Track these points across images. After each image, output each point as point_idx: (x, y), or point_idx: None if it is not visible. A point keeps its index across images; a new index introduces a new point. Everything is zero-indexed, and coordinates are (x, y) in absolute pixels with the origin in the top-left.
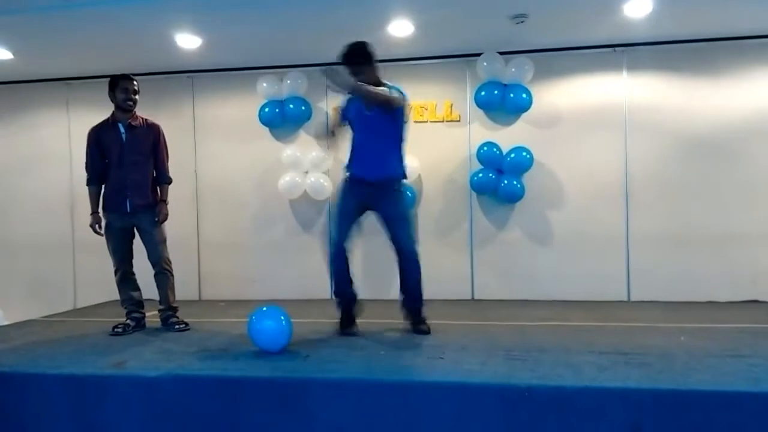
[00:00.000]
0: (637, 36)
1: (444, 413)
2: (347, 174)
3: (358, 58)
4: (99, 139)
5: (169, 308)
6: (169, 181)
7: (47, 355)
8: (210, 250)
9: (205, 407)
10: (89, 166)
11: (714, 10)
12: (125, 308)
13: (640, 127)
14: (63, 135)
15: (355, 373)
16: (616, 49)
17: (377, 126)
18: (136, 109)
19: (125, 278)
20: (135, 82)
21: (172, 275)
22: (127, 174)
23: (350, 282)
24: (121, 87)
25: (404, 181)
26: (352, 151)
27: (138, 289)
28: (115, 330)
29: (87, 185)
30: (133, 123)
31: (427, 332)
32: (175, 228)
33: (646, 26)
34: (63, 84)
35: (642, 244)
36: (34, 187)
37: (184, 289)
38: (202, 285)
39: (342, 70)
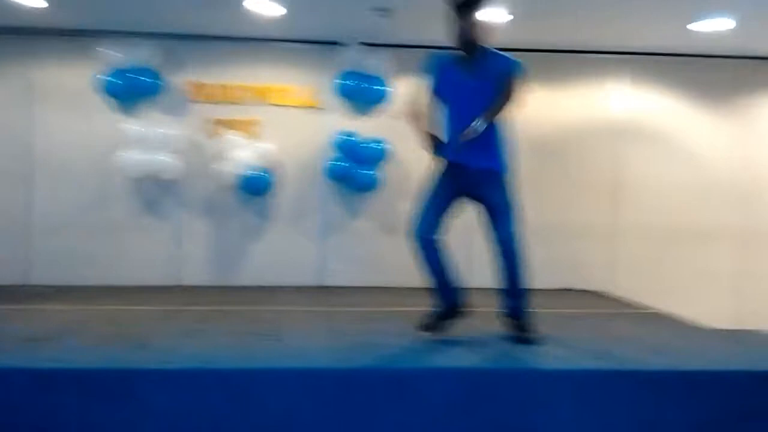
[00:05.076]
0: (498, 42)
1: (284, 398)
2: (444, 160)
3: (481, 8)
4: None
5: None
6: None
7: None
8: (42, 230)
9: (21, 401)
10: None
11: (562, 24)
12: None
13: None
14: None
15: (190, 362)
16: None
17: (486, 97)
18: None
19: None
20: None
21: None
22: None
23: (451, 282)
24: None
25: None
26: (451, 129)
27: None
28: None
29: None
30: None
31: (532, 342)
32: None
33: (506, 34)
34: None
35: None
36: None
37: (7, 271)
38: (32, 268)
39: None
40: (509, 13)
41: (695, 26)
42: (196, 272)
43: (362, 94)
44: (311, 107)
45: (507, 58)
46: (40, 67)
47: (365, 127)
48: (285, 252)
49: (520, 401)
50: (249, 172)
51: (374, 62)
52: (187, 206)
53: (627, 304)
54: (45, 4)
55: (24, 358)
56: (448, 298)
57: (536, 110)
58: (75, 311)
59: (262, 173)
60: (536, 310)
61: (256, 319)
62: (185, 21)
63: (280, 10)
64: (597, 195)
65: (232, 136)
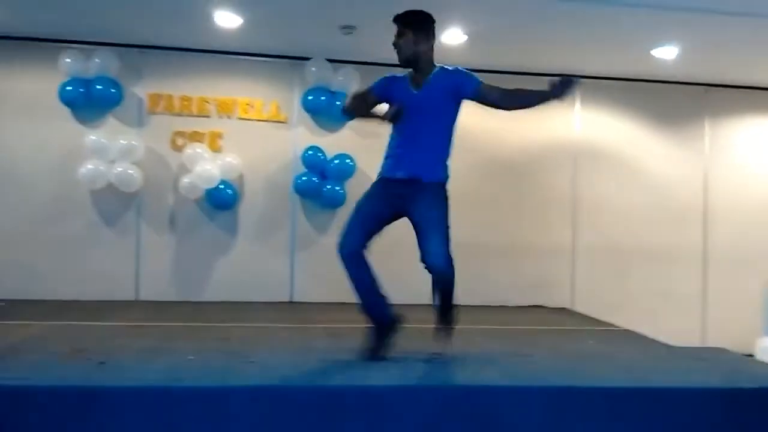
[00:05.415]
0: (454, 62)
1: (254, 417)
2: (386, 174)
3: (426, 25)
4: None
5: None
6: None
7: None
8: None
9: None
10: None
11: (516, 47)
12: None
13: (455, 145)
14: None
15: (156, 381)
16: None
17: (434, 114)
18: None
19: None
20: None
21: None
22: None
23: (382, 297)
24: None
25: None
26: (393, 143)
27: None
28: None
29: None
30: None
31: (451, 325)
32: None
33: (461, 54)
34: None
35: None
36: None
37: None
38: None
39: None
40: (464, 34)
41: (645, 53)
42: (157, 287)
43: (329, 109)
44: (278, 121)
45: (457, 73)
46: None
47: (332, 142)
48: (252, 267)
49: (490, 419)
50: (214, 186)
51: (340, 78)
52: (148, 220)
53: (595, 322)
54: None
55: None
56: (379, 315)
57: (495, 132)
58: (30, 327)
59: (228, 187)
60: (505, 327)
61: (222, 335)
62: (147, 32)
63: (238, 22)
64: (557, 215)
65: (195, 149)
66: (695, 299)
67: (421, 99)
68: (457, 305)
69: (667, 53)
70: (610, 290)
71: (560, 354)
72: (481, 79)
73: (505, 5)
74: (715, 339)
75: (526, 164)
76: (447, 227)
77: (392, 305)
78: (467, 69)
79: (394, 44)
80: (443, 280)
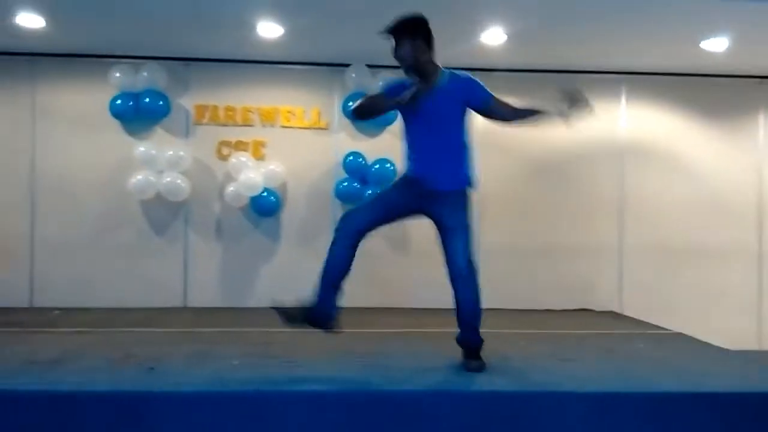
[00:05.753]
0: (494, 63)
1: (298, 422)
2: (406, 172)
3: (422, 30)
4: None
5: None
6: None
7: None
8: (46, 252)
9: (30, 425)
10: None
11: (562, 45)
12: None
13: (493, 148)
14: None
15: (201, 385)
16: (475, 73)
17: (448, 120)
18: None
19: None
20: None
21: None
22: None
23: (337, 290)
24: None
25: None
26: (410, 149)
27: None
28: None
29: None
30: None
31: (478, 370)
32: (2, 227)
33: (502, 54)
34: None
35: (492, 255)
36: None
37: (11, 294)
38: (35, 290)
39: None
40: (504, 33)
41: (693, 45)
42: (204, 294)
43: None
44: (319, 128)
45: (472, 81)
46: (46, 89)
47: (373, 147)
48: (296, 273)
49: (539, 424)
50: (258, 194)
51: (380, 83)
52: (195, 228)
53: (644, 325)
54: (42, 24)
55: (31, 382)
56: (324, 302)
57: (538, 132)
58: (81, 334)
59: (271, 194)
60: (550, 332)
61: (267, 341)
62: (192, 45)
63: (280, 32)
64: (603, 215)
65: (239, 158)
66: (750, 300)
67: (434, 105)
68: (483, 339)
69: (716, 45)
70: (660, 292)
71: (608, 358)
72: (492, 93)
73: (544, 3)
74: None
75: (572, 164)
76: (469, 233)
77: (340, 308)
78: (509, 69)
79: (395, 56)
80: (466, 290)
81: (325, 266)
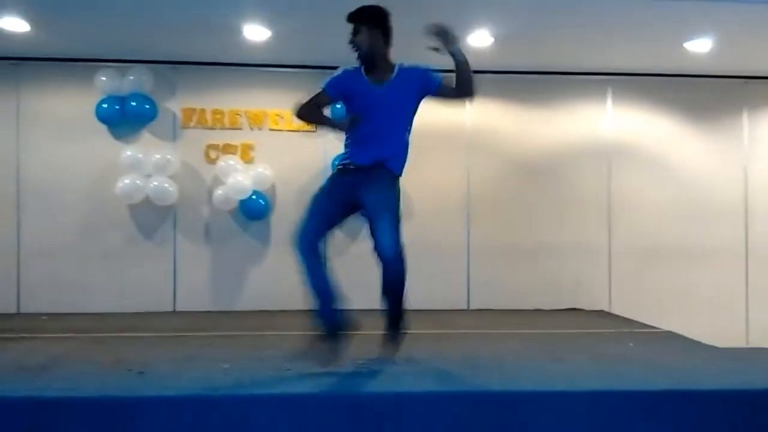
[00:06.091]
0: (481, 65)
1: (288, 425)
2: (340, 164)
3: (381, 20)
4: None
5: None
6: None
7: None
8: (33, 258)
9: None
10: None
11: (548, 47)
12: None
13: (480, 149)
14: None
15: (193, 390)
16: None
17: (394, 108)
18: None
19: None
20: None
21: None
22: None
23: (333, 297)
24: None
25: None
26: (355, 137)
27: None
28: None
29: None
30: None
31: (397, 341)
32: None
33: (489, 56)
34: None
35: (481, 255)
36: None
37: None
38: (22, 296)
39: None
40: (491, 36)
41: (677, 47)
42: (194, 298)
43: None
44: (307, 131)
45: (422, 70)
46: (31, 93)
47: None
48: (285, 276)
49: (530, 424)
50: (246, 197)
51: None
52: (183, 232)
53: (634, 324)
54: (27, 28)
55: (19, 388)
56: (330, 318)
57: (524, 132)
58: (69, 339)
59: (260, 197)
60: (540, 331)
61: (257, 344)
62: (179, 48)
63: (267, 35)
64: (591, 216)
65: (228, 161)
66: (738, 297)
67: (384, 97)
68: (406, 310)
69: (700, 46)
70: (649, 291)
71: (598, 357)
72: (441, 75)
73: (531, 5)
74: (759, 339)
75: (559, 165)
76: (398, 218)
77: (346, 310)
78: (495, 71)
79: (351, 42)
80: (392, 271)
81: (308, 286)
